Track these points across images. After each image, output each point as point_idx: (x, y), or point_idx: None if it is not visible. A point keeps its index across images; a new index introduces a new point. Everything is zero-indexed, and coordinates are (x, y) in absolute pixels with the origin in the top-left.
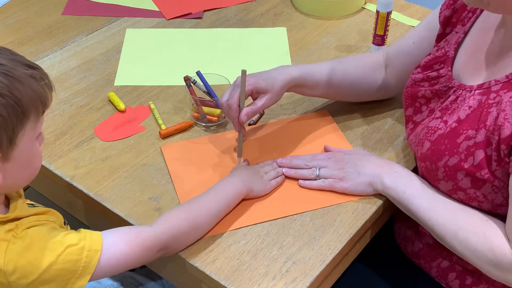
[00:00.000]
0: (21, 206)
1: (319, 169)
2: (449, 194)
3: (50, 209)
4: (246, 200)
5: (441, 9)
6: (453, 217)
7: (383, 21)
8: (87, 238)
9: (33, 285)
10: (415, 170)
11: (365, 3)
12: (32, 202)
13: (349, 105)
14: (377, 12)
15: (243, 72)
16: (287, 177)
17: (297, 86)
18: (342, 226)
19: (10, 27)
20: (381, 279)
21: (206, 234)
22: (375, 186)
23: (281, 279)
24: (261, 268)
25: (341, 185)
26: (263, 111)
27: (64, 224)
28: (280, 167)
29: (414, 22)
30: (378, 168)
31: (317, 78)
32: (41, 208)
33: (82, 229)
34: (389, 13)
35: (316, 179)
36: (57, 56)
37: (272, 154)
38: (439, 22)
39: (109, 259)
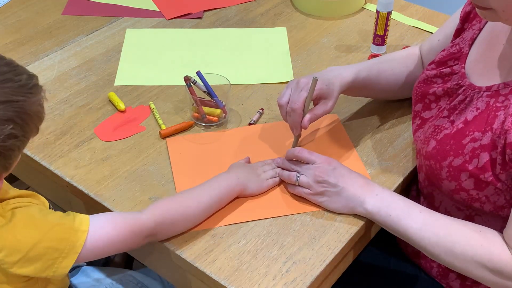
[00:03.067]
0: (3, 188)
1: (299, 176)
2: (451, 194)
3: (34, 193)
4: (245, 197)
5: (465, 4)
6: (446, 233)
7: (383, 21)
8: (75, 219)
9: (21, 263)
10: (414, 170)
11: (365, 3)
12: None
13: (349, 106)
14: (377, 12)
15: (315, 80)
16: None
17: (347, 90)
18: (342, 226)
19: (10, 27)
20: (382, 279)
21: (206, 230)
22: (355, 209)
23: (281, 279)
24: (261, 268)
25: (315, 199)
26: (263, 110)
27: (49, 208)
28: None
29: (414, 22)
30: (359, 190)
31: (367, 82)
32: (24, 191)
33: (70, 212)
34: (389, 13)
35: (296, 185)
36: (57, 56)
37: (274, 154)
38: (460, 17)
39: (96, 241)
